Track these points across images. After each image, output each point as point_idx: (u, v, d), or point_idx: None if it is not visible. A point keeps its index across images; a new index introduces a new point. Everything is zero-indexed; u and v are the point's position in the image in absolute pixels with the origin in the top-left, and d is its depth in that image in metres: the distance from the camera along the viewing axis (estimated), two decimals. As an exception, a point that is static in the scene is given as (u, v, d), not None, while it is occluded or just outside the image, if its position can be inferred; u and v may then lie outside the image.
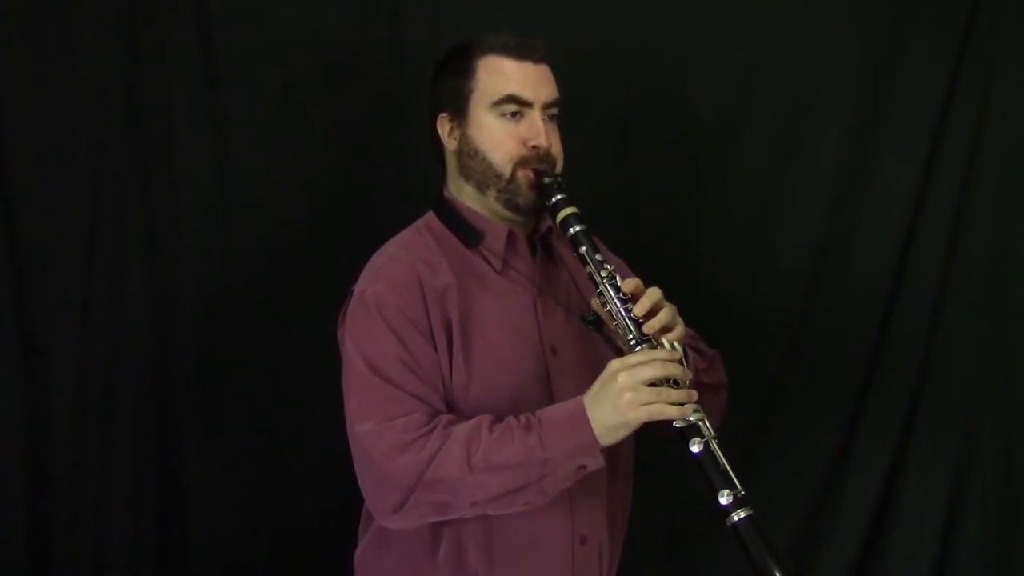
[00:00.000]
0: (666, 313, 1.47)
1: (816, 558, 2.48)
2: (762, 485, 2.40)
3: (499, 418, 1.47)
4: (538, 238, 1.66)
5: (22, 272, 2.05)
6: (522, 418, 1.46)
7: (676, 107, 2.39)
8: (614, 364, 1.42)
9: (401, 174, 2.25)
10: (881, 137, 2.38)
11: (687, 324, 1.54)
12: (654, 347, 1.45)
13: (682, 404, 1.40)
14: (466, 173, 1.61)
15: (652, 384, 1.39)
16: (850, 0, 2.36)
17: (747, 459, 2.41)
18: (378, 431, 1.46)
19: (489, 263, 1.60)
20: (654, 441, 1.54)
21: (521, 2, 2.26)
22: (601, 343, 1.57)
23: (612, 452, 1.50)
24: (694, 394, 1.42)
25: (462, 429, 1.45)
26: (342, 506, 1.74)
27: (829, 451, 2.48)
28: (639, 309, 1.46)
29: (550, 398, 1.55)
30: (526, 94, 1.56)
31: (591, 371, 1.52)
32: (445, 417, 1.48)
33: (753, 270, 2.43)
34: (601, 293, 1.50)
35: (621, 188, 2.36)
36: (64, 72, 2.06)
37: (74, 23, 2.06)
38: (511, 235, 1.61)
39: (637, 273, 1.77)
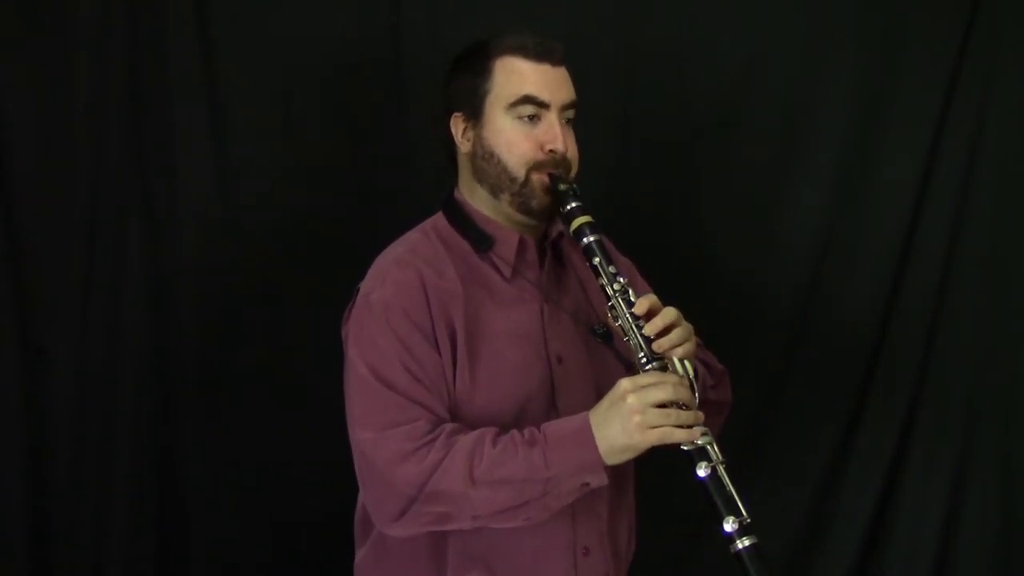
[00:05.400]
0: (678, 333, 1.46)
1: (816, 557, 2.48)
2: (763, 484, 2.41)
3: (503, 430, 1.46)
4: (548, 244, 1.64)
5: (22, 272, 2.05)
6: (526, 432, 1.44)
7: (676, 105, 2.39)
8: (624, 384, 1.40)
9: (402, 174, 2.24)
10: (881, 136, 2.39)
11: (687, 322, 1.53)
12: (664, 366, 1.44)
13: (690, 427, 1.39)
14: (479, 176, 1.58)
15: (661, 406, 1.38)
16: (851, -1, 2.37)
17: (747, 458, 2.41)
18: (381, 439, 1.45)
19: (498, 270, 1.58)
20: (658, 454, 1.54)
21: (521, 1, 2.26)
22: (609, 354, 1.55)
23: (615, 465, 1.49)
24: (701, 416, 1.41)
25: (466, 441, 1.43)
26: (342, 506, 1.74)
27: (829, 450, 2.48)
28: (651, 328, 1.44)
29: (554, 406, 1.54)
30: (543, 95, 1.53)
31: (597, 380, 1.51)
32: (449, 426, 1.46)
33: (753, 269, 2.43)
34: (613, 307, 1.48)
35: (621, 186, 2.35)
36: (64, 72, 2.06)
37: (74, 23, 2.06)
38: (522, 242, 1.59)
39: (643, 273, 1.77)
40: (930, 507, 2.44)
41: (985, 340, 2.41)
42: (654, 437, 1.38)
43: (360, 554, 1.65)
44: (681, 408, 1.40)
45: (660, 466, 1.70)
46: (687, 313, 1.52)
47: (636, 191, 2.37)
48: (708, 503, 1.39)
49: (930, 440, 2.43)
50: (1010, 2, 2.33)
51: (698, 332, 1.71)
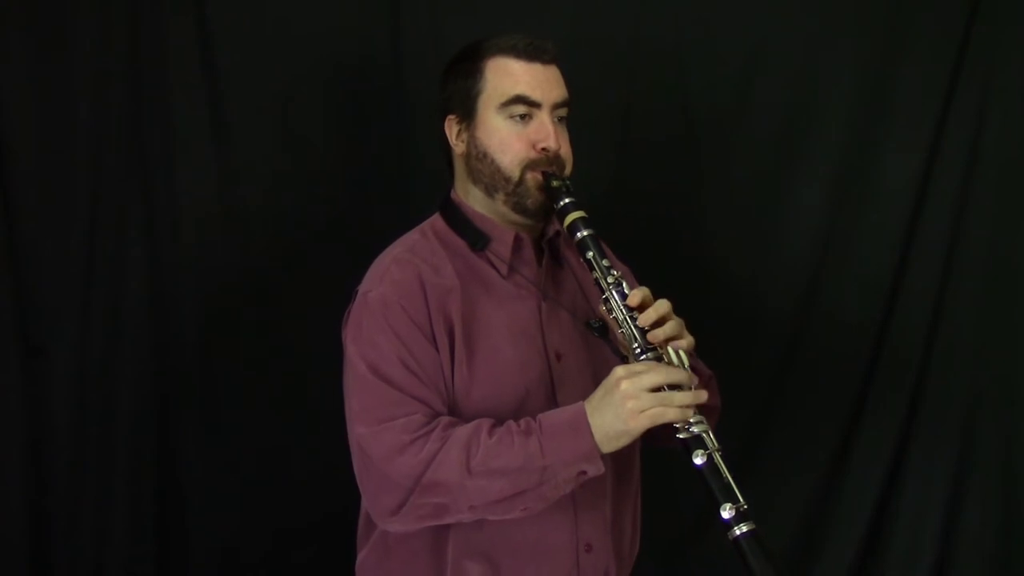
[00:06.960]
0: (672, 325, 1.46)
1: (816, 558, 2.48)
2: (762, 484, 2.41)
3: (499, 422, 1.46)
4: (546, 242, 1.65)
5: (22, 272, 2.05)
6: (522, 423, 1.45)
7: (677, 102, 2.39)
8: (618, 371, 1.41)
9: (401, 174, 2.25)
10: (882, 133, 2.39)
11: (688, 325, 1.53)
12: (659, 356, 1.45)
13: (686, 407, 1.39)
14: (474, 176, 1.60)
15: (656, 390, 1.39)
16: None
17: (747, 458, 2.41)
18: (377, 432, 1.46)
19: (495, 267, 1.59)
20: (658, 449, 1.54)
21: (522, 1, 2.26)
22: (607, 349, 1.56)
23: (617, 457, 1.49)
24: (702, 394, 1.41)
25: (462, 432, 1.44)
26: (342, 506, 1.74)
27: (829, 450, 2.48)
28: (644, 319, 1.45)
29: (555, 403, 1.54)
30: (535, 95, 1.55)
31: (596, 376, 1.51)
32: (445, 419, 1.47)
33: (754, 267, 2.43)
34: (607, 300, 1.49)
35: (621, 184, 2.36)
36: (64, 72, 2.06)
37: (74, 23, 2.05)
38: (518, 239, 1.60)
39: (639, 272, 1.77)
40: (930, 507, 2.44)
41: (985, 340, 2.41)
42: (647, 420, 1.38)
43: (362, 555, 1.65)
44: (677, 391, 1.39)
45: (656, 466, 1.71)
46: (688, 314, 1.52)
47: (636, 191, 2.37)
48: (706, 491, 1.39)
49: (930, 440, 2.43)
50: (1010, 2, 2.33)
51: (698, 332, 1.72)
